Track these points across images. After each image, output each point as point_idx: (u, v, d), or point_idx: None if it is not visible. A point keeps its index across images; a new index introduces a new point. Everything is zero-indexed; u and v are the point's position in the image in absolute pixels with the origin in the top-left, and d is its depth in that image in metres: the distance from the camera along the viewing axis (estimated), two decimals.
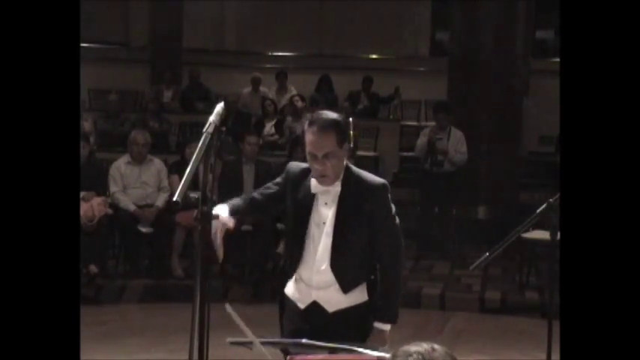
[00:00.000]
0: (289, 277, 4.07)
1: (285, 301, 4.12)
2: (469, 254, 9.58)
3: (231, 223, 3.91)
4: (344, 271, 3.93)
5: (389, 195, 3.97)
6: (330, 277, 3.93)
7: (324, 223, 3.94)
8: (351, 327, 3.91)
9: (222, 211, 3.90)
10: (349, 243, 3.92)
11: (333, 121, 3.89)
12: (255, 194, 4.18)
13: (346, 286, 3.94)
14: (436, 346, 2.33)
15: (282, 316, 4.17)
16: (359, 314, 3.92)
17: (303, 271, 3.99)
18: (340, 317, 3.92)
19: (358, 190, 3.91)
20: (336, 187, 3.92)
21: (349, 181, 3.94)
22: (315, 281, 3.96)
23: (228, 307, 3.26)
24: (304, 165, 4.04)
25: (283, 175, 4.11)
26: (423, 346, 2.33)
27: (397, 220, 4.01)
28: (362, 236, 3.93)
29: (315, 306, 3.97)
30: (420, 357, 2.28)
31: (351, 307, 3.94)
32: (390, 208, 3.97)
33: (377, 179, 3.99)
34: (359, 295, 3.96)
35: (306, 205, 3.96)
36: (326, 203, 3.94)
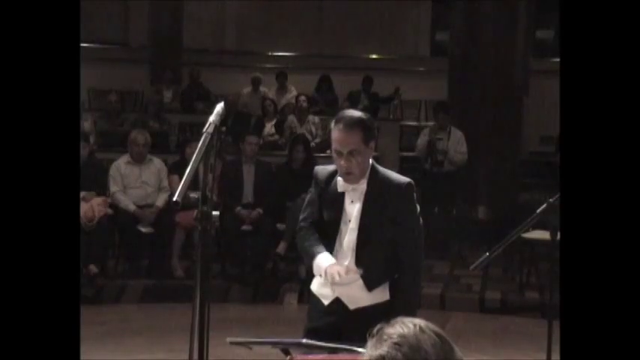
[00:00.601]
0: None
1: (310, 298, 4.16)
2: (469, 254, 9.57)
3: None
4: (368, 268, 3.96)
5: (414, 194, 4.02)
6: (352, 273, 3.96)
7: (349, 220, 3.99)
8: (371, 325, 3.91)
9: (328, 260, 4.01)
10: (374, 240, 3.97)
11: (359, 119, 3.95)
12: (308, 224, 4.17)
13: (370, 283, 3.99)
14: (423, 326, 2.06)
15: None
16: (380, 313, 3.93)
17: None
18: (361, 315, 3.94)
19: (384, 188, 3.96)
20: (362, 185, 3.98)
21: (375, 179, 3.98)
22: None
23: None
24: (330, 167, 4.10)
25: (313, 184, 4.16)
26: (409, 327, 2.05)
27: (420, 220, 4.04)
28: (386, 234, 3.97)
29: (337, 303, 4.02)
30: (406, 342, 2.01)
31: (372, 305, 3.98)
32: (415, 208, 4.01)
33: (402, 178, 4.04)
34: (381, 294, 4.01)
35: (337, 205, 4.01)
36: (352, 201, 4.00)
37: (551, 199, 4.32)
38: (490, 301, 8.71)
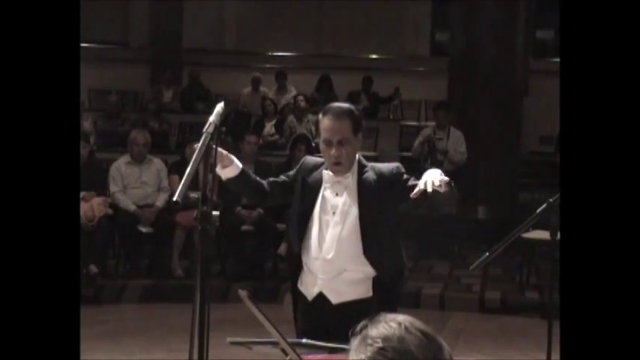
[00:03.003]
0: (299, 269, 4.11)
1: (297, 296, 4.17)
2: (469, 254, 9.57)
3: (228, 162, 3.96)
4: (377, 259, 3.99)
5: (405, 174, 4.03)
6: (335, 265, 3.99)
7: (333, 213, 3.99)
8: (354, 321, 3.91)
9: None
10: (377, 230, 3.99)
11: (349, 109, 4.02)
12: (266, 181, 4.23)
13: (383, 271, 4.01)
14: (408, 325, 1.91)
15: (296, 312, 4.22)
16: (363, 309, 3.94)
17: (310, 261, 4.04)
18: (344, 310, 3.95)
19: (373, 178, 3.97)
20: (347, 179, 4.00)
21: (361, 171, 4.01)
22: (321, 270, 4.01)
23: (242, 293, 3.22)
24: (319, 159, 4.14)
25: (297, 168, 4.20)
26: (394, 328, 1.90)
27: None
28: (386, 222, 3.99)
29: (320, 298, 4.02)
30: (391, 346, 1.87)
31: (355, 300, 3.98)
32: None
33: (390, 164, 4.10)
34: (364, 290, 4.02)
35: (313, 194, 4.04)
36: (337, 194, 4.00)
37: (551, 199, 4.32)
38: (490, 301, 8.71)
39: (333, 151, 3.93)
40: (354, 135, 3.96)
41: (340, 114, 3.96)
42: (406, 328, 1.90)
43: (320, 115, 4.05)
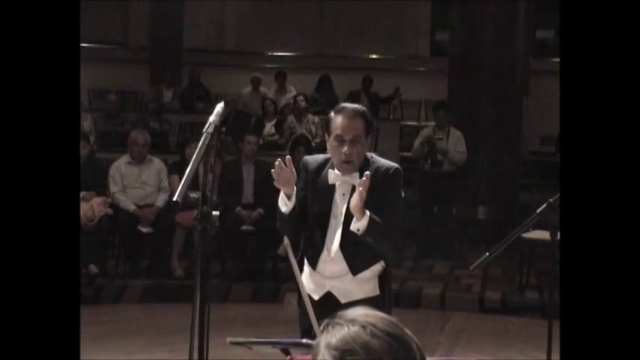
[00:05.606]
0: (303, 269, 4.11)
1: (300, 299, 4.17)
2: (469, 254, 9.57)
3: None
4: (353, 254, 3.98)
5: (400, 180, 4.05)
6: (343, 265, 4.00)
7: (340, 213, 4.01)
8: None
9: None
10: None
11: (362, 110, 4.08)
12: None
13: (355, 268, 4.01)
14: (373, 328, 1.75)
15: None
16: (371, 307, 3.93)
17: (317, 262, 4.05)
18: None
19: (373, 177, 3.97)
20: (354, 179, 3.99)
21: (364, 168, 3.99)
22: (328, 271, 4.04)
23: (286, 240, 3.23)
24: (320, 157, 4.16)
25: (302, 174, 4.18)
26: (356, 332, 1.74)
27: (402, 211, 4.05)
28: None
29: (328, 297, 4.03)
30: (355, 354, 1.72)
31: (363, 299, 3.99)
32: (399, 193, 4.05)
33: (391, 163, 4.11)
34: (371, 289, 4.04)
35: (328, 197, 4.04)
36: (344, 194, 4.02)
37: (551, 199, 4.33)
38: (490, 301, 8.71)
39: (345, 149, 3.95)
40: (365, 135, 4.00)
41: (355, 113, 4.00)
42: (372, 333, 1.74)
43: (332, 114, 4.05)
